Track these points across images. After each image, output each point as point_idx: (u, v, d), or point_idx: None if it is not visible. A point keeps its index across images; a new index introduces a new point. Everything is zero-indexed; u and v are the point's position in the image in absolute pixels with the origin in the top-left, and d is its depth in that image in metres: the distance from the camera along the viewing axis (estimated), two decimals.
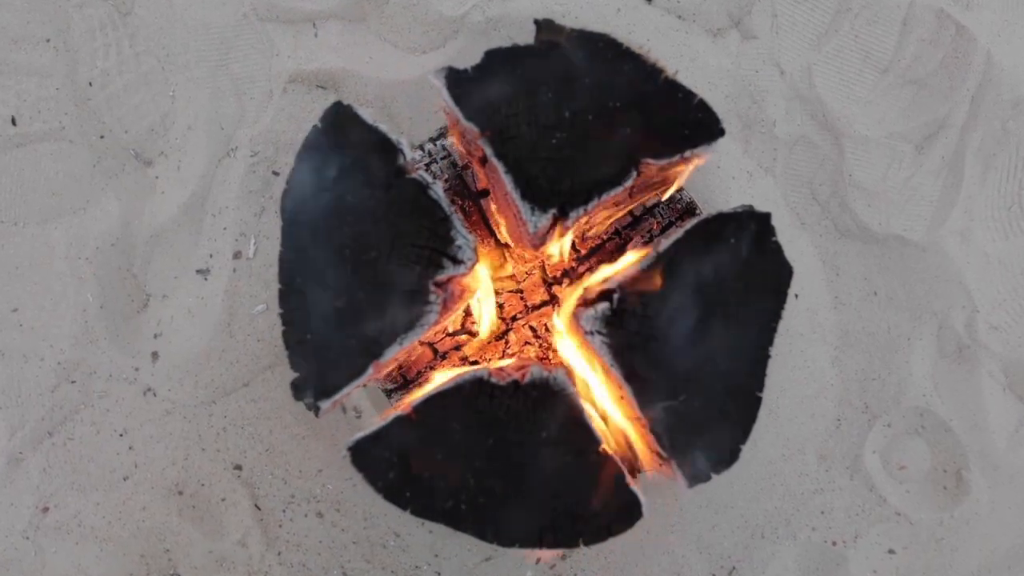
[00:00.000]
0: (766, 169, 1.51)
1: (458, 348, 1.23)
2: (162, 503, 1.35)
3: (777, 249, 0.94)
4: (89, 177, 1.42)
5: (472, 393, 0.91)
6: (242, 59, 1.48)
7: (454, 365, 1.22)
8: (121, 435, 1.38)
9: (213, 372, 1.40)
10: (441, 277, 0.90)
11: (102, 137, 1.43)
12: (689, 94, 0.92)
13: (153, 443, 1.38)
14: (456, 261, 0.91)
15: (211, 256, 1.43)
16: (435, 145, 1.25)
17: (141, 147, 1.44)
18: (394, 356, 0.90)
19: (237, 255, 1.43)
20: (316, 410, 0.90)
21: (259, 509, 1.37)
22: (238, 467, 1.39)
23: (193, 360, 1.39)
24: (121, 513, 1.35)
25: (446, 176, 1.24)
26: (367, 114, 0.92)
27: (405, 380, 1.21)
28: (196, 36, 1.47)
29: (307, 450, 1.39)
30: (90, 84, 1.43)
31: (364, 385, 0.96)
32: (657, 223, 1.25)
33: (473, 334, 1.24)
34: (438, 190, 0.91)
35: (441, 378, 0.95)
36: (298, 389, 0.90)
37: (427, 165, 1.24)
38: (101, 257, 1.39)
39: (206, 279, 1.42)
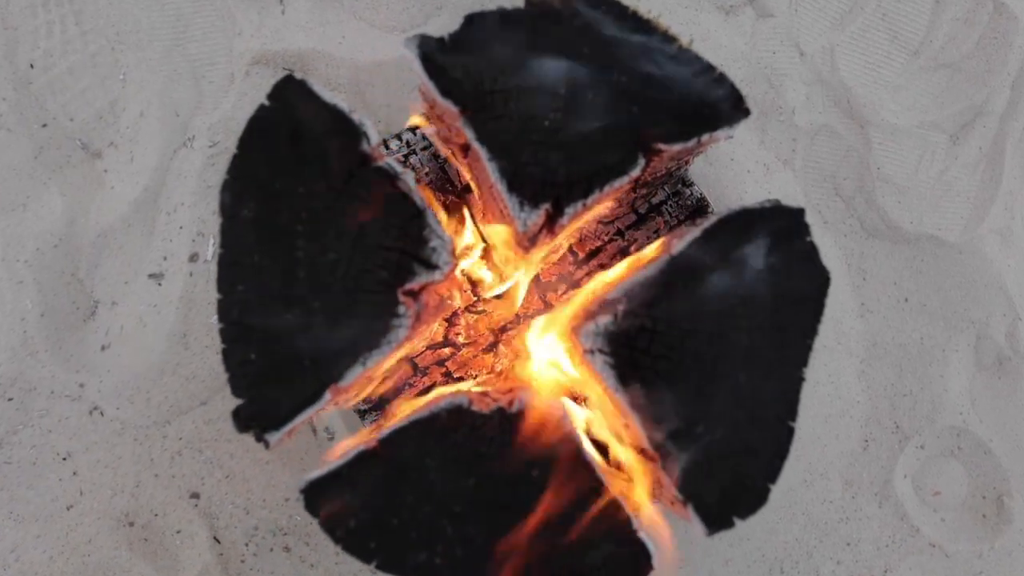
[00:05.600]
0: (784, 161, 1.48)
1: (441, 363, 1.15)
2: (110, 535, 1.30)
3: (812, 251, 0.87)
4: (29, 170, 1.36)
5: (450, 424, 0.82)
6: (200, 38, 1.43)
7: (435, 383, 1.13)
8: (64, 459, 1.32)
9: (167, 389, 1.34)
10: (413, 285, 0.80)
11: (44, 125, 1.38)
12: (707, 66, 0.84)
13: (100, 468, 1.32)
14: (430, 266, 0.80)
15: (165, 259, 1.37)
16: (414, 134, 1.20)
17: (88, 136, 1.39)
18: (356, 379, 0.79)
19: (194, 257, 1.38)
20: (265, 443, 0.79)
21: (219, 542, 1.32)
22: (195, 495, 1.33)
23: (145, 375, 1.34)
24: (64, 546, 1.30)
25: (427, 169, 1.17)
26: (325, 91, 0.81)
27: (382, 400, 1.14)
28: (149, 13, 1.42)
29: (272, 476, 1.34)
30: (31, 66, 1.38)
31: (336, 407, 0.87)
32: (665, 222, 1.17)
33: (457, 347, 1.15)
34: (409, 180, 0.81)
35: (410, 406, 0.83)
36: (240, 419, 0.79)
37: (405, 156, 1.17)
38: (42, 259, 1.33)
39: (160, 284, 1.36)
